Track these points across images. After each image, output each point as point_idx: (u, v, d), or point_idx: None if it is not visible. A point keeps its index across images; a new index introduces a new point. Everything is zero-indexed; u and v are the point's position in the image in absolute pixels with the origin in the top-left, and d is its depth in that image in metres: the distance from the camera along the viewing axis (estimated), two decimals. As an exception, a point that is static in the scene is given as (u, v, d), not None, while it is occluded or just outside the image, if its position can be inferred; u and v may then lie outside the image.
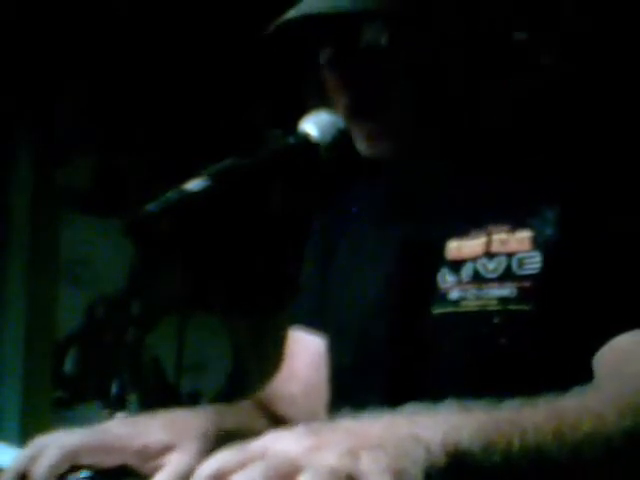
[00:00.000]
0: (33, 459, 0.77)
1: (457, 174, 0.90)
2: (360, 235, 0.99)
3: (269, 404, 1.01)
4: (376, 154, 0.87)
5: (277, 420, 0.98)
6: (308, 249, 1.09)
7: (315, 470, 0.52)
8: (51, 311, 2.69)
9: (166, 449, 0.79)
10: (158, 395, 2.79)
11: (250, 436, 0.86)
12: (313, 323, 1.04)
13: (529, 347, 0.80)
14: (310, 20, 0.82)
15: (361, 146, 0.87)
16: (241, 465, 0.54)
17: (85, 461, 0.77)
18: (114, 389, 2.41)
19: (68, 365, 2.76)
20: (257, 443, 0.57)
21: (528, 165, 0.86)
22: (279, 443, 0.56)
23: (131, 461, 0.79)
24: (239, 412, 0.94)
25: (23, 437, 2.52)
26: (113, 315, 2.78)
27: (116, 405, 2.46)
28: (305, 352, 1.05)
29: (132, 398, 2.73)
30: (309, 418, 1.01)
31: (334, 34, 0.84)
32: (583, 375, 0.76)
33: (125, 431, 0.81)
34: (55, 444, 0.77)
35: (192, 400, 2.82)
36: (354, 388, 0.93)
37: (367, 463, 0.53)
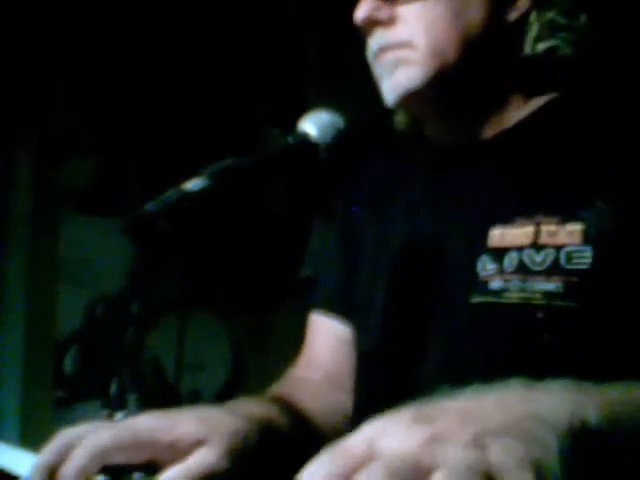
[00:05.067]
0: (60, 456, 0.72)
1: (500, 154, 0.88)
2: (388, 218, 0.97)
3: (289, 398, 0.96)
4: (406, 85, 0.87)
5: (300, 414, 0.94)
6: (324, 241, 1.07)
7: (448, 470, 0.46)
8: (51, 311, 2.69)
9: (197, 444, 0.74)
10: (158, 395, 2.78)
11: (280, 432, 0.82)
12: (335, 308, 1.02)
13: (572, 345, 0.77)
14: None
15: (391, 82, 0.88)
16: (351, 471, 0.48)
17: (115, 460, 0.72)
18: (114, 389, 2.41)
19: (68, 365, 2.76)
20: (358, 439, 0.51)
21: (582, 154, 0.83)
22: (386, 437, 0.50)
23: (162, 456, 0.73)
24: (267, 406, 0.88)
25: (23, 437, 2.51)
26: (113, 315, 2.78)
27: (116, 405, 2.45)
28: (326, 339, 1.03)
29: (132, 398, 2.73)
30: (333, 408, 0.99)
31: None
32: (629, 378, 0.74)
33: (155, 424, 0.75)
34: (84, 443, 0.72)
35: (192, 400, 2.81)
36: (384, 374, 0.91)
37: (499, 454, 0.47)
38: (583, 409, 0.54)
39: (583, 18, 0.86)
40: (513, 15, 0.86)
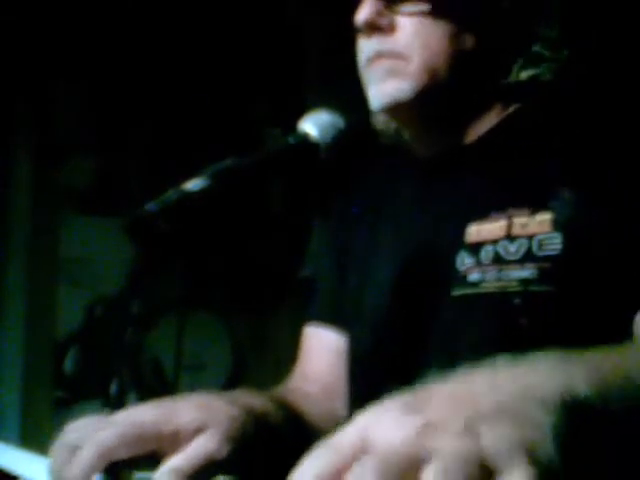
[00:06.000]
0: (68, 457, 0.72)
1: (475, 159, 0.92)
2: (378, 222, 0.99)
3: (285, 399, 0.97)
4: (395, 95, 0.89)
5: (296, 413, 0.95)
6: (320, 245, 1.09)
7: (441, 462, 0.45)
8: (51, 311, 2.69)
9: (197, 431, 0.74)
10: (157, 395, 2.78)
11: (274, 426, 0.84)
12: (329, 318, 1.04)
13: (550, 327, 0.80)
14: None
15: (381, 89, 0.90)
16: (343, 467, 0.47)
17: (120, 456, 0.72)
18: (114, 389, 2.41)
19: (68, 365, 2.76)
20: (351, 433, 0.49)
21: (547, 147, 0.88)
22: (378, 429, 0.49)
23: (164, 446, 0.73)
24: (263, 400, 0.89)
25: (23, 437, 2.51)
26: (113, 315, 2.78)
27: (116, 405, 2.46)
28: (322, 350, 1.05)
29: (132, 398, 2.73)
30: (329, 412, 1.00)
31: None
32: None
33: (156, 415, 0.75)
34: (88, 443, 0.72)
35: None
36: (373, 373, 0.93)
37: (492, 441, 0.46)
38: (573, 382, 0.53)
39: (566, 52, 0.91)
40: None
